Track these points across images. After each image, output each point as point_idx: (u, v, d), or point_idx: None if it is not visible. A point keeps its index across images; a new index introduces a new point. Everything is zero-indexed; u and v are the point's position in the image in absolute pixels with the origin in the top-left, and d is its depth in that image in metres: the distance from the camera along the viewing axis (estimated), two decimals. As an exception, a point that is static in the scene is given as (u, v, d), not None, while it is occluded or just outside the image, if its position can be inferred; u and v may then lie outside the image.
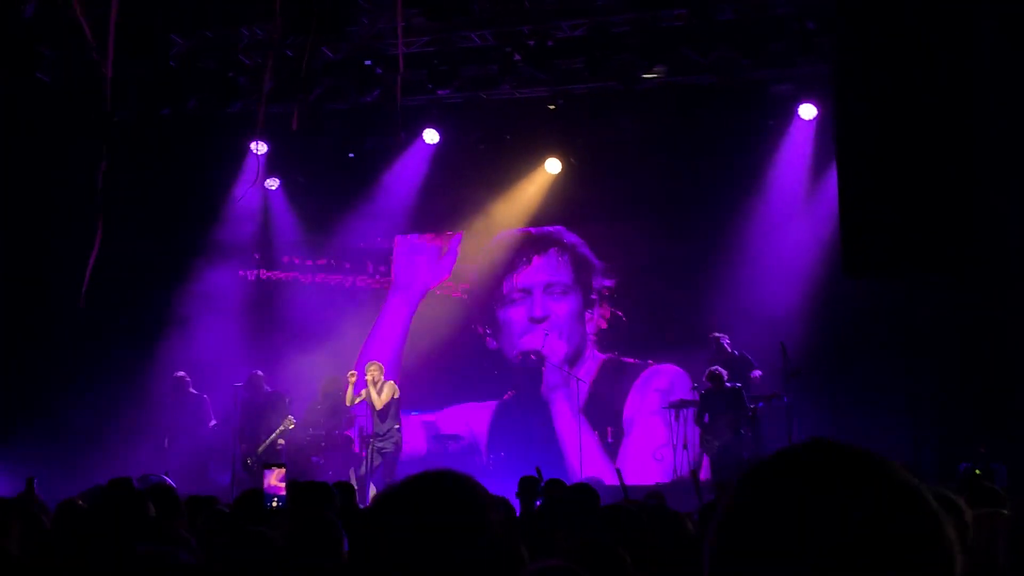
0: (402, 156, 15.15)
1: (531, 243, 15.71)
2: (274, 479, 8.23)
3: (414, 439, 15.04)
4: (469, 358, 15.52)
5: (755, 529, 1.16)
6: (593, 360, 15.35)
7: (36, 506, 6.58)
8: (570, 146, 14.78)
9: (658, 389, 14.79)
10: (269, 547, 3.71)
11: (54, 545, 4.59)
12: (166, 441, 14.13)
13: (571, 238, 15.63)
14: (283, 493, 7.25)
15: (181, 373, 14.51)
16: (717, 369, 12.95)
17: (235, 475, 14.17)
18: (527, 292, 15.66)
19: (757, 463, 1.22)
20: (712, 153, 14.05)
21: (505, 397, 15.49)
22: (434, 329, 15.33)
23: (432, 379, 15.23)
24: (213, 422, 14.49)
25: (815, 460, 1.20)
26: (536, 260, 15.69)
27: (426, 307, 15.68)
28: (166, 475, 12.78)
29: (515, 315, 15.69)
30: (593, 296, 15.42)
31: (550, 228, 15.68)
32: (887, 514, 1.14)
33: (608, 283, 15.37)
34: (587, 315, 15.45)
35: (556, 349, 15.37)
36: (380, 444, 13.48)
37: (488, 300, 15.74)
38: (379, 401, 13.52)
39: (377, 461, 13.48)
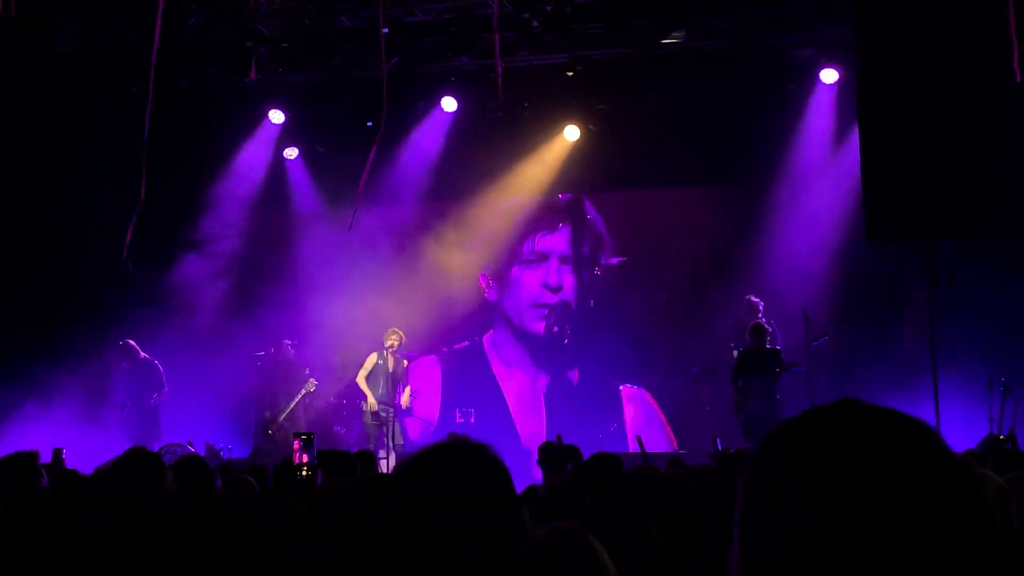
0: (420, 124, 15.10)
1: (558, 210, 15.67)
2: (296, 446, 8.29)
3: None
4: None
5: (782, 495, 1.14)
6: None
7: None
8: (589, 113, 14.70)
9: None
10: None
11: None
12: (121, 410, 13.91)
13: (592, 213, 15.58)
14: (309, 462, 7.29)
15: (130, 340, 14.11)
16: (762, 322, 12.76)
17: (257, 445, 14.27)
18: (544, 257, 15.62)
19: (783, 425, 1.21)
20: (732, 119, 13.94)
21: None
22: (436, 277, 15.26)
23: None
24: (166, 389, 14.07)
25: (845, 422, 1.18)
26: (561, 227, 15.64)
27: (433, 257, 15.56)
28: (189, 445, 12.91)
29: (528, 278, 15.67)
30: (597, 272, 15.35)
31: (565, 197, 15.64)
32: (924, 478, 1.12)
33: (614, 262, 15.30)
34: (593, 286, 15.43)
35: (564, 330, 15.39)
36: (383, 412, 13.54)
37: (502, 257, 15.69)
38: (394, 372, 13.56)
39: (382, 428, 13.50)
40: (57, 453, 8.18)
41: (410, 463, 1.84)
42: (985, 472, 3.74)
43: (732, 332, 13.59)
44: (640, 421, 14.54)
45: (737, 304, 13.67)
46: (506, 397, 15.39)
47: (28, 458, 5.33)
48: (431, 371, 15.58)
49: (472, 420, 14.93)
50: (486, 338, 15.70)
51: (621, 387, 14.83)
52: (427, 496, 1.76)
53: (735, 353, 13.10)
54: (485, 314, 15.69)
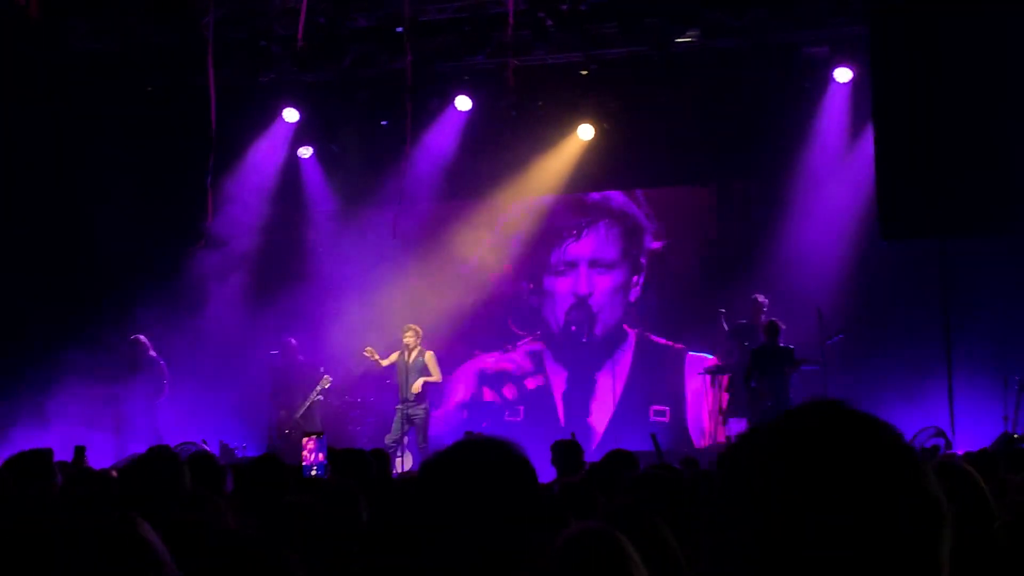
0: (434, 123, 15.11)
1: (581, 213, 15.71)
2: (311, 448, 8.28)
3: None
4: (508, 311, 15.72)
5: (740, 492, 1.18)
6: (629, 340, 15.37)
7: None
8: (603, 111, 14.69)
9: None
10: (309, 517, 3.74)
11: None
12: (117, 410, 13.64)
13: (620, 202, 15.60)
14: (321, 461, 7.28)
15: (141, 336, 13.89)
16: (776, 321, 12.74)
17: (271, 444, 14.29)
18: (573, 265, 15.69)
19: (753, 427, 1.25)
20: (746, 117, 13.93)
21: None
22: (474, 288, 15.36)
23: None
24: (166, 390, 13.88)
25: (808, 424, 1.21)
26: (585, 233, 15.70)
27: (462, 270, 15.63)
28: (203, 443, 12.94)
29: (560, 287, 15.74)
30: (642, 260, 15.41)
31: (598, 195, 15.67)
32: (868, 473, 1.15)
33: (656, 246, 15.35)
34: (633, 279, 15.45)
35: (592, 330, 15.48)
36: (411, 411, 13.49)
37: (535, 267, 15.81)
38: (412, 367, 13.54)
39: (407, 427, 13.50)
40: (79, 451, 8.17)
41: (433, 461, 1.85)
42: (966, 468, 3.76)
43: (735, 329, 13.64)
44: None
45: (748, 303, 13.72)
46: (554, 395, 15.58)
47: (43, 456, 5.32)
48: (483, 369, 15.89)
49: (520, 419, 15.33)
50: (531, 340, 15.87)
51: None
52: (449, 492, 1.77)
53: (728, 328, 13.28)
54: (524, 316, 15.83)
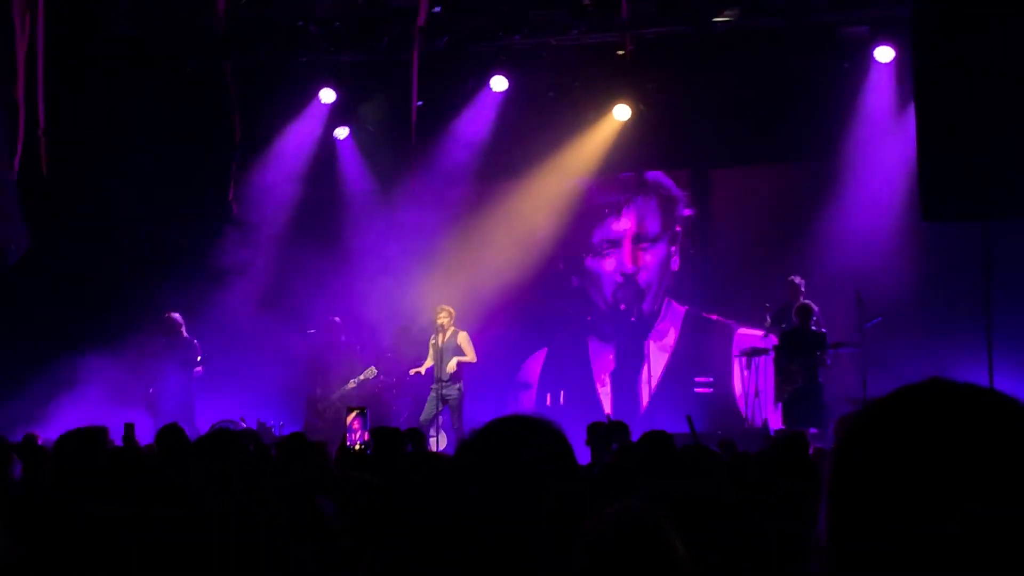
0: (471, 104, 15.09)
1: (620, 190, 15.67)
2: (351, 421, 8.34)
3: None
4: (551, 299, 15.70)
5: (879, 477, 1.13)
6: (675, 315, 15.34)
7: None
8: (640, 92, 14.60)
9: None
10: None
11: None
12: (151, 388, 13.66)
13: (651, 176, 15.56)
14: (365, 438, 7.33)
15: (175, 314, 13.88)
16: (808, 303, 12.65)
17: (308, 421, 14.36)
18: (616, 244, 15.64)
19: (872, 404, 1.19)
20: (785, 98, 13.81)
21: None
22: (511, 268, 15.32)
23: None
24: (199, 369, 13.89)
25: (938, 402, 1.16)
26: (625, 210, 15.64)
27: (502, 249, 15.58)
28: (241, 420, 13.04)
29: (605, 267, 15.70)
30: (677, 228, 15.35)
31: (627, 174, 15.60)
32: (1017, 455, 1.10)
33: (688, 212, 15.29)
34: (672, 249, 15.41)
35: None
36: (445, 392, 13.51)
37: (577, 248, 15.76)
38: (446, 347, 13.57)
39: (441, 407, 13.52)
40: (129, 429, 8.20)
41: (469, 443, 1.84)
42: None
43: (776, 314, 13.52)
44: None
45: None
46: (595, 376, 15.60)
47: (96, 434, 5.21)
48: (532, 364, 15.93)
49: (561, 402, 15.43)
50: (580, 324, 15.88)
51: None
52: (487, 469, 1.76)
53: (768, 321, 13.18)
54: (566, 297, 15.82)
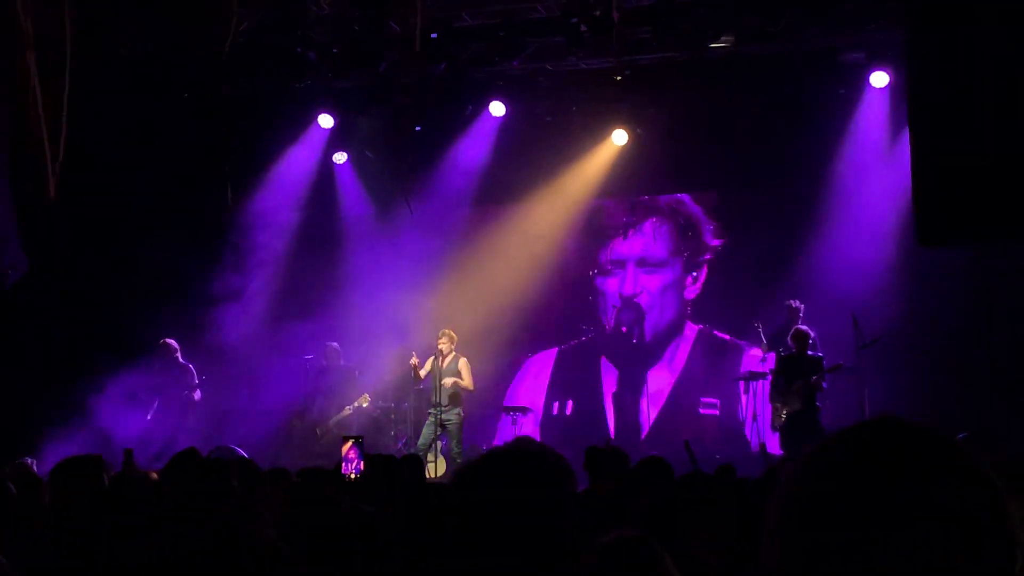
0: (469, 129, 15.16)
1: (628, 213, 15.73)
2: (346, 450, 8.34)
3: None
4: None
5: (816, 510, 1.16)
6: (687, 336, 15.34)
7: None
8: (637, 117, 14.66)
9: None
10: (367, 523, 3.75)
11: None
12: (149, 415, 13.61)
13: (669, 200, 15.61)
14: (361, 467, 7.32)
15: (171, 340, 13.90)
16: (804, 328, 12.68)
17: (289, 442, 14.30)
18: (620, 264, 15.69)
19: (824, 441, 1.22)
20: (781, 123, 13.87)
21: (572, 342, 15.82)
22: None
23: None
24: (198, 395, 13.90)
25: (881, 441, 1.19)
26: (632, 233, 15.69)
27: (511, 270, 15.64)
28: (239, 447, 13.00)
29: (609, 287, 15.75)
30: (705, 256, 15.36)
31: (647, 197, 15.69)
32: (949, 500, 1.13)
33: (716, 243, 15.31)
34: (688, 280, 15.43)
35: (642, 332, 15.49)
36: (444, 417, 13.45)
37: (585, 267, 15.86)
38: (446, 372, 13.54)
39: (439, 432, 13.48)
40: (128, 454, 8.18)
41: (462, 473, 1.85)
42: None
43: (771, 337, 13.53)
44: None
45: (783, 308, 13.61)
46: (604, 394, 15.60)
47: (93, 462, 5.20)
48: (544, 363, 15.99)
49: (568, 412, 15.49)
50: (589, 338, 15.90)
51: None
52: (479, 506, 1.77)
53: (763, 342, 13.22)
54: (575, 316, 15.87)
